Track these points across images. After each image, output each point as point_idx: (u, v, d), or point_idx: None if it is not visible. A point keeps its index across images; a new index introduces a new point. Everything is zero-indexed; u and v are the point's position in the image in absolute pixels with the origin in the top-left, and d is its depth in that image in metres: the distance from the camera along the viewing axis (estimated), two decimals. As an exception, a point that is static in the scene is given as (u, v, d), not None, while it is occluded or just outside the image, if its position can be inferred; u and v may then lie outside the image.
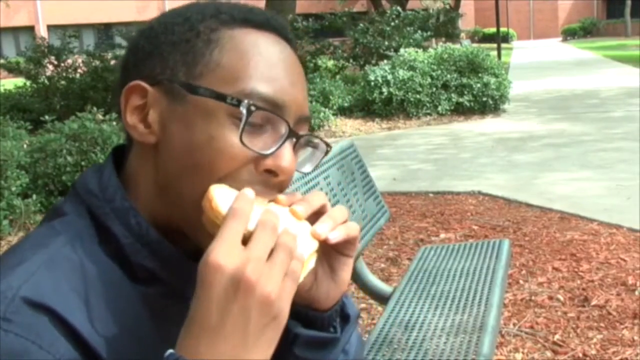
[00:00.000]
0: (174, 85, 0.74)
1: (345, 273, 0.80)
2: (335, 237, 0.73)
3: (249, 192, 0.68)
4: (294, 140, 0.76)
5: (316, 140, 0.81)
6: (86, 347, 0.66)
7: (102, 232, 0.74)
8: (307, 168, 0.82)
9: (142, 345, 0.73)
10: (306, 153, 0.81)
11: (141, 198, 0.77)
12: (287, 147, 0.74)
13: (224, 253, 0.62)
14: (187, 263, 0.76)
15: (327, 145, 0.81)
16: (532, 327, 3.11)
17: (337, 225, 0.74)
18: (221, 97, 0.72)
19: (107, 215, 0.74)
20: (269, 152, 0.73)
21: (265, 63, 0.74)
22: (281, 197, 0.75)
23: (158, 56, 0.75)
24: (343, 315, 0.86)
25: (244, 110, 0.71)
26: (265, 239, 0.64)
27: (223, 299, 0.61)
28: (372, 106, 10.88)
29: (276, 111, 0.73)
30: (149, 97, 0.75)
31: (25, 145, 5.84)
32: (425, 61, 11.16)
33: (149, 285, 0.75)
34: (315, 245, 0.71)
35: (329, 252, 0.78)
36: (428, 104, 10.77)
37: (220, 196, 0.69)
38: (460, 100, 10.82)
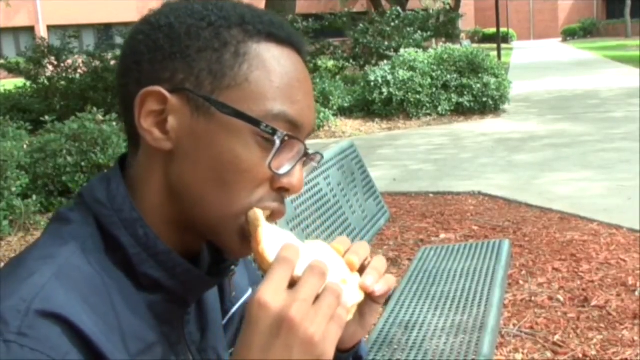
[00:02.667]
0: (200, 99, 0.73)
1: (373, 318, 0.84)
2: (380, 290, 0.76)
3: (319, 245, 0.75)
4: (304, 158, 0.78)
5: (314, 154, 0.83)
6: (98, 355, 0.67)
7: (108, 241, 0.74)
8: (304, 173, 0.84)
9: (149, 350, 0.73)
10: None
11: (148, 201, 0.77)
12: (299, 166, 0.77)
13: (271, 293, 0.64)
14: (193, 272, 0.77)
15: (321, 155, 0.84)
16: (532, 328, 3.11)
17: (381, 278, 0.77)
18: (255, 123, 0.72)
19: (115, 225, 0.74)
20: (285, 171, 0.75)
21: (289, 84, 0.75)
22: (337, 245, 0.78)
23: (181, 61, 0.73)
24: (357, 357, 0.90)
25: (278, 141, 0.73)
26: (313, 283, 0.66)
27: (267, 335, 0.64)
28: (372, 106, 10.88)
29: (297, 134, 0.76)
30: (169, 104, 0.74)
31: (25, 146, 5.85)
32: (426, 61, 11.16)
33: (152, 293, 0.76)
34: (361, 297, 0.75)
35: None
36: (428, 105, 10.77)
37: (268, 241, 0.72)
38: (461, 100, 10.82)
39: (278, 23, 0.78)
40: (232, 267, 0.84)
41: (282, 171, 0.75)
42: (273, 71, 0.74)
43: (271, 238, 0.72)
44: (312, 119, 0.78)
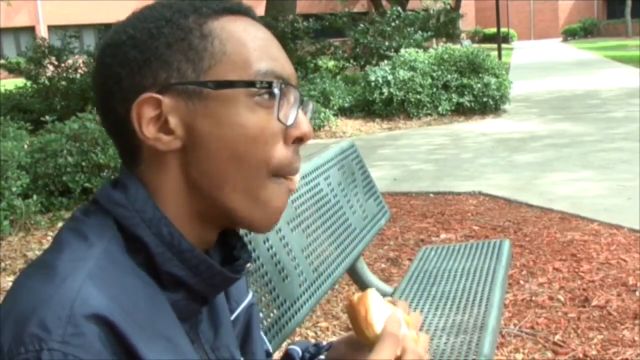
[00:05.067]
0: (189, 86, 0.74)
1: None
2: None
3: (399, 314, 0.84)
4: (301, 105, 0.81)
5: (307, 102, 0.85)
6: (134, 356, 0.67)
7: (130, 243, 0.74)
8: None
9: (176, 349, 0.74)
10: None
11: (168, 203, 0.77)
12: (301, 113, 0.80)
13: None
14: (216, 269, 0.78)
15: (312, 103, 0.88)
16: (532, 328, 3.11)
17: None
18: (249, 84, 0.75)
19: (139, 226, 0.74)
20: (292, 121, 0.78)
21: (263, 44, 0.78)
22: (408, 318, 0.86)
23: (157, 62, 0.75)
24: None
25: (277, 91, 0.76)
26: None
27: None
28: (372, 106, 10.87)
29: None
30: (163, 105, 0.74)
31: (25, 146, 5.84)
32: (426, 61, 11.16)
33: (174, 292, 0.76)
34: None
35: None
36: (428, 105, 10.76)
37: (376, 309, 0.80)
38: (461, 100, 10.82)
39: None
40: (248, 264, 0.85)
41: (289, 122, 0.77)
42: (244, 38, 0.77)
43: (376, 306, 0.80)
44: (292, 71, 0.81)
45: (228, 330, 0.88)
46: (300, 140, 0.80)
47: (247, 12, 0.81)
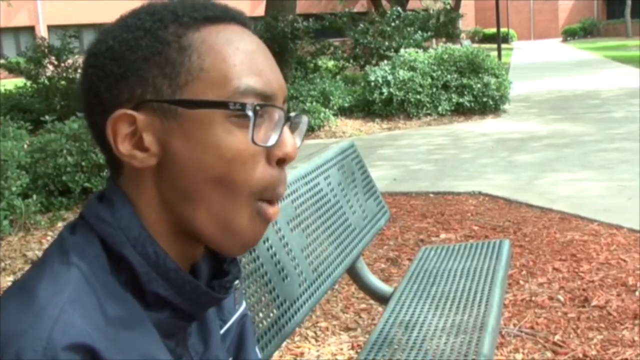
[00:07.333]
0: (164, 104, 0.72)
1: None
2: None
3: None
4: (288, 122, 0.77)
5: (298, 117, 0.82)
6: None
7: (114, 262, 0.73)
8: (299, 141, 0.82)
9: None
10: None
11: (146, 220, 0.76)
12: (286, 132, 0.76)
13: None
14: (202, 290, 0.77)
15: (306, 115, 0.84)
16: (532, 328, 3.11)
17: None
18: (222, 105, 0.72)
19: (123, 244, 0.73)
20: (273, 142, 0.74)
21: (246, 58, 0.74)
22: None
23: (133, 76, 0.73)
24: None
25: (250, 113, 0.72)
26: None
27: None
28: (372, 106, 10.87)
29: (272, 102, 0.75)
30: (138, 122, 0.73)
31: (25, 146, 5.85)
32: (426, 61, 11.16)
33: (159, 311, 0.75)
34: None
35: None
36: (428, 105, 10.76)
37: None
38: (461, 100, 10.82)
39: (211, 5, 0.77)
40: (236, 281, 0.84)
41: (270, 143, 0.74)
42: (225, 52, 0.73)
43: None
44: (280, 84, 0.77)
45: (217, 341, 0.87)
46: (283, 161, 0.76)
47: (234, 19, 0.76)
